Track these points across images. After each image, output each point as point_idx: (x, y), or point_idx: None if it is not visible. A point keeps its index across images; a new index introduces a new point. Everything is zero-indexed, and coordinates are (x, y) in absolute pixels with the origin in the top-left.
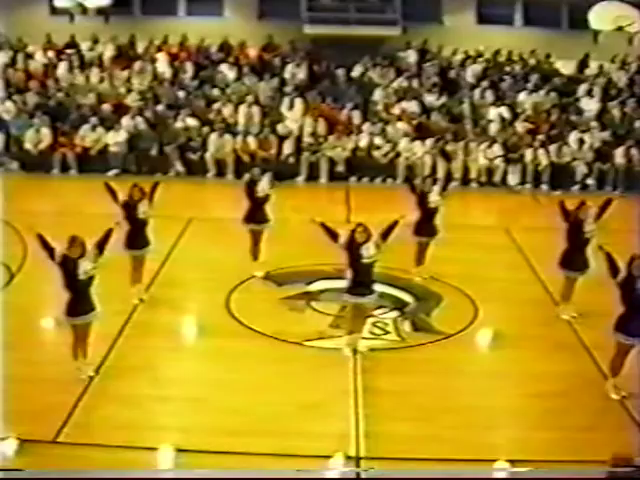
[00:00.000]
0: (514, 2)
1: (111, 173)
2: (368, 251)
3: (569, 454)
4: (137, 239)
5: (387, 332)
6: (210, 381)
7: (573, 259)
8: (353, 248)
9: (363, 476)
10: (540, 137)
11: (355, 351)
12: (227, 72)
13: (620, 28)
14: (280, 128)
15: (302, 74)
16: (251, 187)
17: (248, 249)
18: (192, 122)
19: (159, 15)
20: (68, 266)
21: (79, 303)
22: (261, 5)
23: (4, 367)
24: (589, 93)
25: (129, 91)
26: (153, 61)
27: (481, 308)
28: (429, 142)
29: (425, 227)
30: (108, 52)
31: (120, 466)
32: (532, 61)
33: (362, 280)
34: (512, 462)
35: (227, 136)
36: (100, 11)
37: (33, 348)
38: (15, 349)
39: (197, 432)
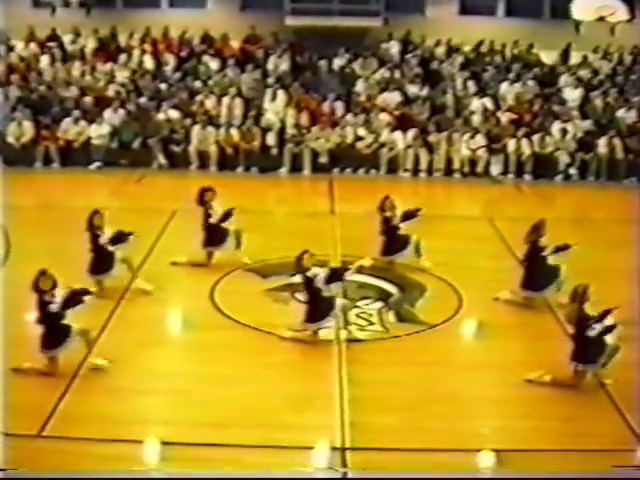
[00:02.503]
0: None
1: (93, 166)
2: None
3: (554, 443)
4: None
5: (371, 323)
6: (194, 373)
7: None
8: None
9: (350, 476)
10: (523, 127)
11: (339, 342)
12: (210, 64)
13: (601, 18)
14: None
15: (285, 65)
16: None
17: (200, 243)
18: (175, 114)
19: (141, 7)
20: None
21: (55, 335)
22: None
23: None
24: (564, 87)
25: (110, 83)
26: (143, 53)
27: (465, 298)
28: (412, 133)
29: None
30: (90, 45)
31: (105, 459)
32: (515, 51)
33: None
34: (497, 451)
35: (210, 128)
36: (82, 3)
37: (16, 342)
38: None
39: (182, 425)
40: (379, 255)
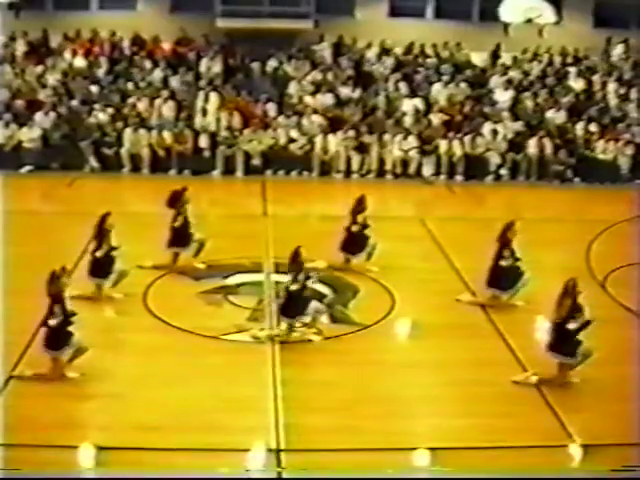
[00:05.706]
0: None
1: (25, 170)
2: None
3: (487, 440)
4: None
5: (305, 324)
6: (128, 377)
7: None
8: None
9: (284, 476)
10: (454, 128)
11: (273, 343)
12: (141, 66)
13: (529, 20)
14: (196, 122)
15: (217, 68)
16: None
17: (165, 243)
18: (106, 117)
19: (71, 9)
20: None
21: (60, 337)
22: None
23: None
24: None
25: (41, 86)
26: (74, 55)
27: (398, 298)
28: (344, 134)
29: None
30: (20, 47)
31: (40, 466)
32: (445, 53)
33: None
34: (432, 450)
35: (142, 131)
36: (11, 5)
37: None
38: None
39: (117, 429)
40: (339, 250)
